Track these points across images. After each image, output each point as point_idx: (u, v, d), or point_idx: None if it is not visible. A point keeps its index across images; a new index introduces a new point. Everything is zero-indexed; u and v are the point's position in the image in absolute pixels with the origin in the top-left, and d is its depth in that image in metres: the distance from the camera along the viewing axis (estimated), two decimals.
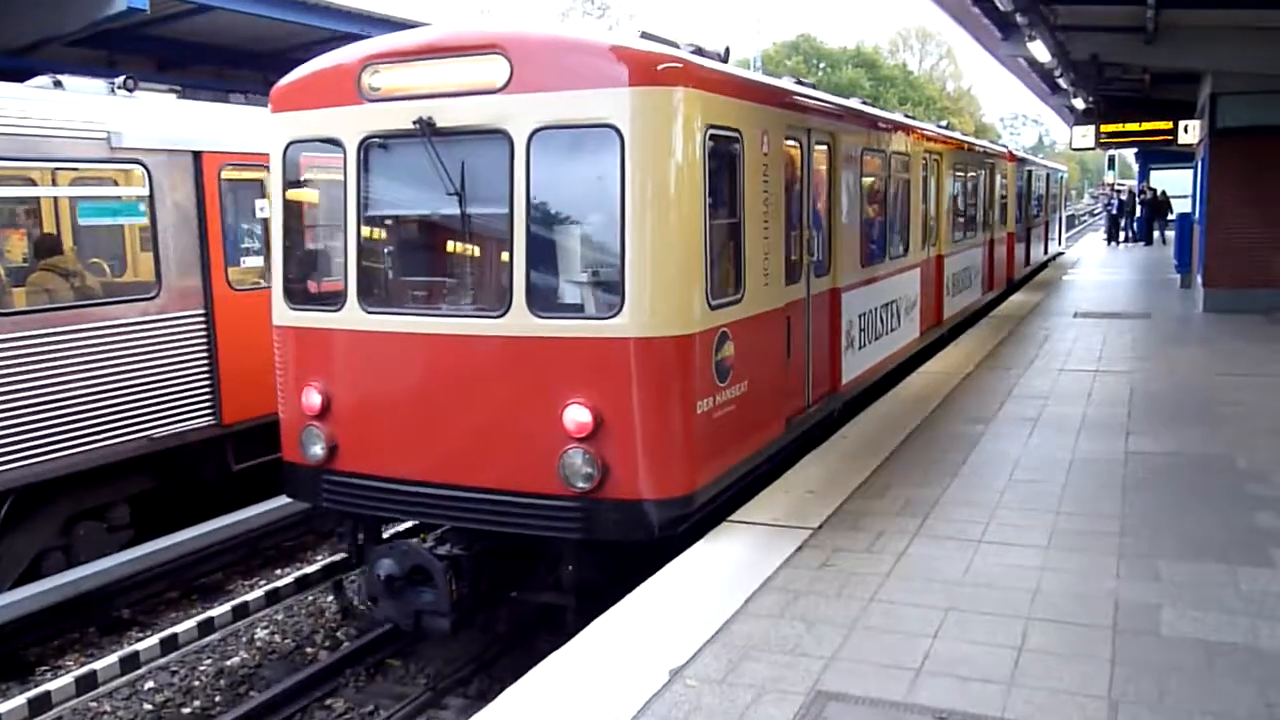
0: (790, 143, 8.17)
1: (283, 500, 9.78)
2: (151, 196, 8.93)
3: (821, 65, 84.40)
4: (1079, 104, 22.37)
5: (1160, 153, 37.21)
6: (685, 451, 6.45)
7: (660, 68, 6.28)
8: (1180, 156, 35.32)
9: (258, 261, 10.18)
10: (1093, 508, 7.05)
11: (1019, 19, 10.83)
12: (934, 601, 5.50)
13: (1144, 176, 43.51)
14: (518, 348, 6.39)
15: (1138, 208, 39.75)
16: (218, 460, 9.86)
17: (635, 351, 6.22)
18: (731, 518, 7.03)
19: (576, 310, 6.47)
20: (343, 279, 6.95)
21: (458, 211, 6.60)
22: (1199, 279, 18.64)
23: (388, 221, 7.17)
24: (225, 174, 9.60)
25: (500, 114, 6.35)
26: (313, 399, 6.98)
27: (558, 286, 6.54)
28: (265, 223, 10.11)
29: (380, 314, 6.84)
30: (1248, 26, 14.92)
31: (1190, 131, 23.54)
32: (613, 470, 6.23)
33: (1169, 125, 24.42)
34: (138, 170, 8.83)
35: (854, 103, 11.25)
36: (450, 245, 7.03)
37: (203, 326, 9.38)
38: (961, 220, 16.08)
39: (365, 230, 6.96)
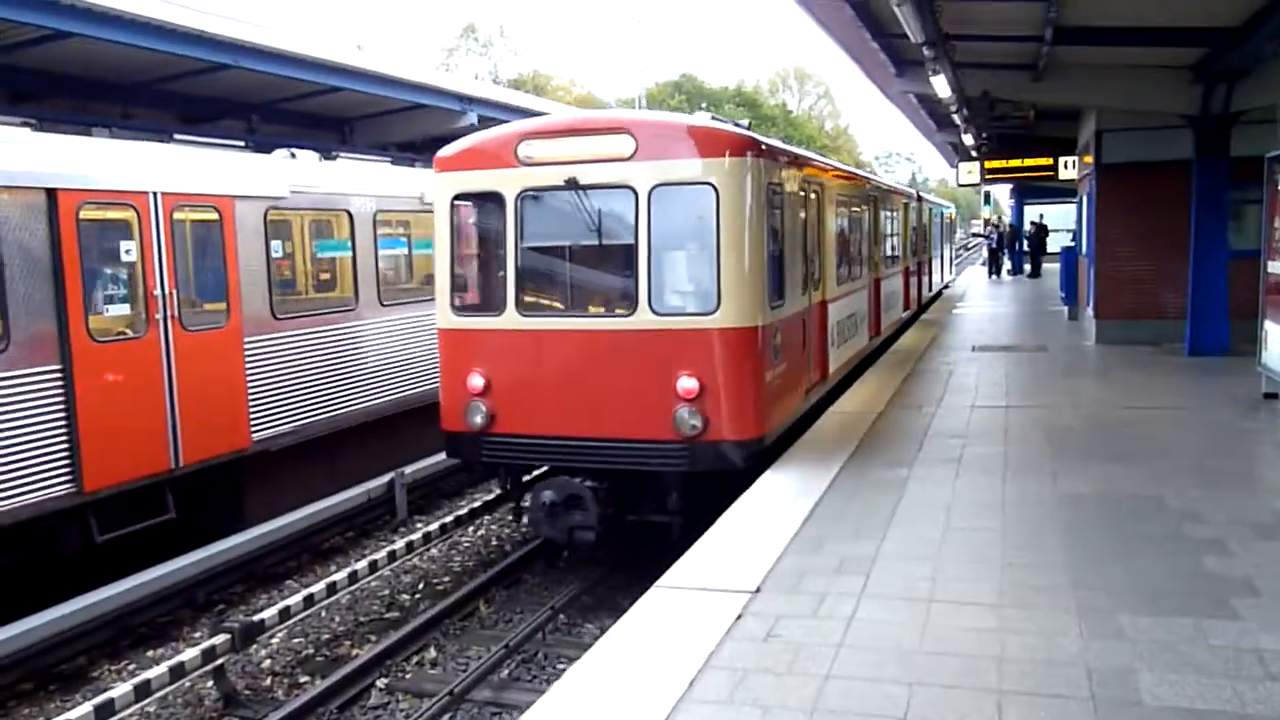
0: (801, 192, 10.83)
1: (155, 572, 8.89)
2: None
3: (704, 105, 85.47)
4: (969, 140, 22.71)
5: (1035, 188, 38.39)
6: (757, 407, 8.98)
7: (739, 142, 8.92)
8: (1055, 192, 36.47)
9: (124, 310, 9.24)
10: (1037, 557, 6.70)
11: (926, 52, 10.69)
12: (895, 675, 5.01)
13: (1019, 211, 44.95)
14: (642, 337, 8.85)
15: (1016, 242, 41.02)
16: (79, 532, 8.85)
17: (727, 338, 8.76)
18: (661, 582, 6.48)
19: (685, 310, 8.94)
20: (503, 292, 9.26)
21: (596, 243, 9.16)
22: (1089, 311, 18.94)
23: (539, 250, 9.40)
24: (84, 214, 8.68)
25: (628, 175, 8.83)
26: (476, 381, 9.24)
27: (670, 293, 9.07)
28: (131, 267, 9.22)
29: (534, 317, 9.21)
30: (1130, 65, 15.24)
31: (1070, 167, 24.16)
32: (710, 421, 8.68)
33: (1049, 161, 25.05)
34: None
35: (833, 160, 14.49)
36: (589, 266, 9.45)
37: (59, 382, 8.40)
38: (890, 250, 19.19)
39: (522, 256, 9.28)
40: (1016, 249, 41.03)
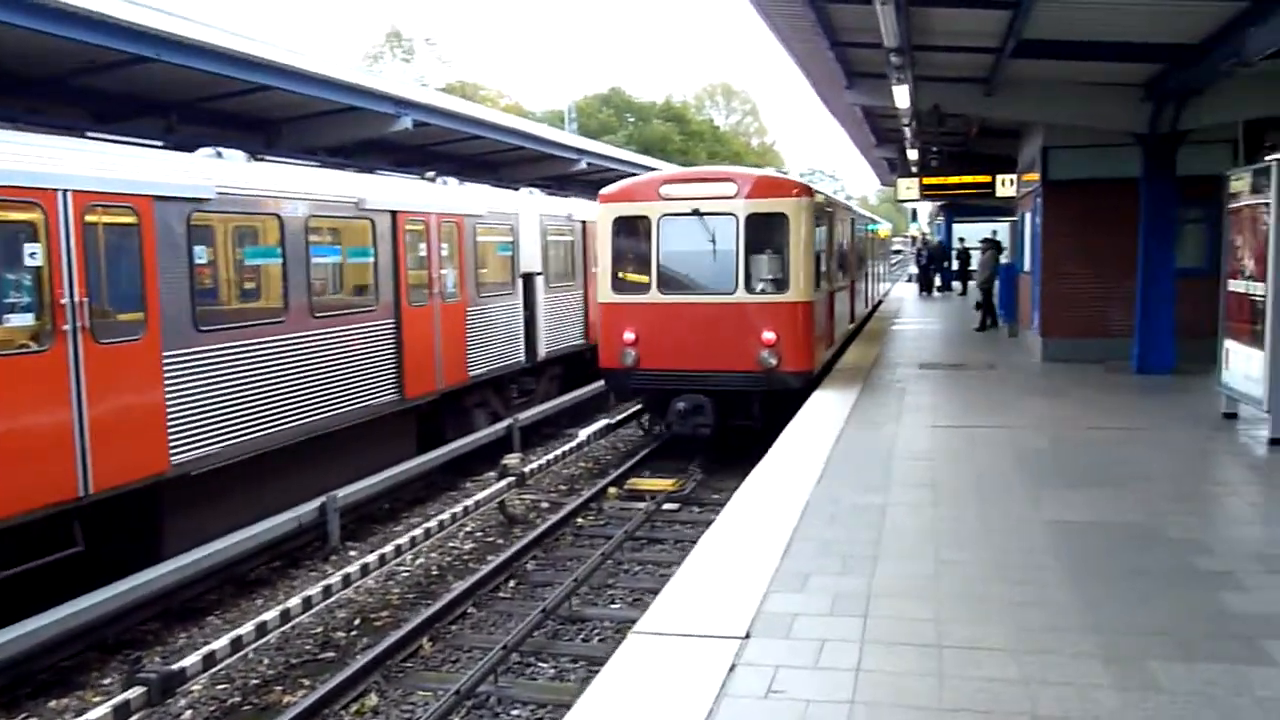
0: (826, 219, 16.23)
1: (58, 613, 7.93)
2: None
3: (632, 119, 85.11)
4: (913, 155, 22.56)
5: (965, 206, 38.62)
6: (808, 350, 14.22)
7: (800, 188, 14.57)
8: (986, 210, 36.73)
9: (27, 320, 8.30)
10: (1042, 594, 6.23)
11: (893, 59, 10.30)
12: None
13: (948, 229, 45.26)
14: (739, 308, 14.01)
15: (944, 259, 41.26)
16: None
17: (793, 308, 14.00)
18: (638, 628, 5.85)
19: (766, 291, 14.05)
20: (648, 279, 14.43)
21: (711, 249, 14.20)
22: (1034, 329, 18.81)
23: (672, 253, 14.46)
24: None
25: (732, 207, 14.05)
26: (628, 335, 14.32)
27: (758, 279, 14.09)
28: (36, 272, 8.30)
29: (670, 294, 14.34)
30: (1082, 81, 15.11)
31: (1009, 185, 24.16)
32: (781, 359, 13.83)
33: (988, 179, 25.01)
34: None
35: (838, 198, 21.71)
36: (705, 263, 14.31)
37: None
38: (858, 261, 23.95)
39: (662, 256, 14.39)
40: (945, 266, 41.24)
